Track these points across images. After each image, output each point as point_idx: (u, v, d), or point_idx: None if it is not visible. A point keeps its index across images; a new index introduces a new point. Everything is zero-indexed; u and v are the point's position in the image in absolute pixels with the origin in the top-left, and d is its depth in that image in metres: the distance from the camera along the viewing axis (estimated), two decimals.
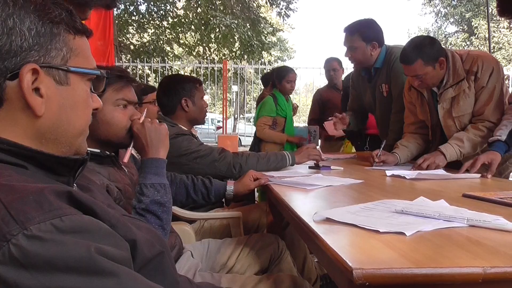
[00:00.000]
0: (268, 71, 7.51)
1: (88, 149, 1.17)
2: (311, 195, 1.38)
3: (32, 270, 0.46)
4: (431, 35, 22.29)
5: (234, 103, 14.67)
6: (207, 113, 2.21)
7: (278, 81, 3.92)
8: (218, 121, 15.40)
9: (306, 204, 1.23)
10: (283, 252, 1.62)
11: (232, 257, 1.55)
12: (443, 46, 2.15)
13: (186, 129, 2.08)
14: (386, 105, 2.61)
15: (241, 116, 14.59)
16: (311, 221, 0.95)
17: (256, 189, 2.03)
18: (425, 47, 2.03)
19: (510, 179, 2.22)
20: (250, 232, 1.96)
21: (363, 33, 2.49)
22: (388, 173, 1.85)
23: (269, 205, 2.01)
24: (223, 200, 2.27)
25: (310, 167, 2.18)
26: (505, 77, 2.62)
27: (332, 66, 4.12)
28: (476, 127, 2.07)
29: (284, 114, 3.87)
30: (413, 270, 0.64)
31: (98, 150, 1.22)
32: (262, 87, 5.79)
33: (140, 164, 1.31)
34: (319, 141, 4.23)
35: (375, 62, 2.57)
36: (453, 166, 2.08)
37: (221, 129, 10.93)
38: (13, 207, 0.50)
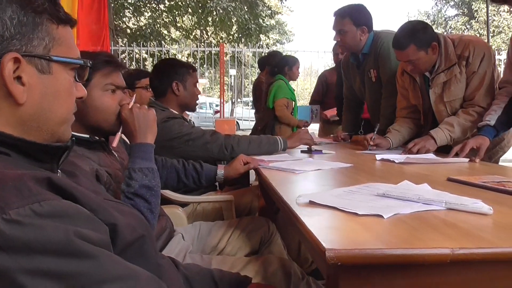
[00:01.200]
0: (265, 54, 7.49)
1: (77, 134, 1.20)
2: (299, 179, 1.41)
3: (10, 252, 0.48)
4: (431, 18, 22.13)
5: (232, 87, 14.61)
6: (198, 100, 2.22)
7: (289, 67, 4.15)
8: (216, 105, 15.37)
9: (292, 188, 1.25)
10: (274, 234, 1.66)
11: (223, 239, 1.58)
12: (436, 31, 2.16)
13: (176, 112, 2.09)
14: (376, 90, 2.62)
15: (239, 100, 14.56)
16: (294, 204, 0.97)
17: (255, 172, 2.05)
18: (417, 32, 2.04)
19: (500, 163, 2.24)
20: (242, 215, 2.00)
21: (353, 17, 2.49)
22: (378, 157, 1.88)
23: (260, 189, 2.04)
24: (217, 184, 2.30)
25: (302, 151, 2.21)
26: (498, 62, 2.64)
27: (339, 49, 4.07)
28: (467, 112, 2.09)
29: (293, 98, 4.19)
30: (384, 251, 0.66)
31: (87, 136, 1.24)
32: (260, 71, 5.79)
33: (129, 149, 1.33)
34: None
35: (363, 48, 2.57)
36: (444, 150, 2.10)
37: (219, 113, 10.91)
38: None
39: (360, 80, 2.74)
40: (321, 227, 0.79)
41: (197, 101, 2.20)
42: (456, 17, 21.53)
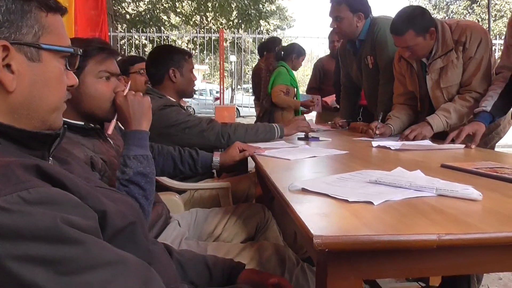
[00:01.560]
0: (264, 40, 7.45)
1: (72, 121, 1.21)
2: (294, 166, 1.41)
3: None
4: (432, 2, 21.91)
5: (232, 73, 14.56)
6: (195, 87, 2.21)
7: (296, 56, 4.25)
8: (216, 92, 15.33)
9: (286, 175, 1.26)
10: (269, 221, 1.67)
11: (219, 226, 1.60)
12: (437, 16, 2.15)
13: (174, 100, 2.09)
14: (373, 77, 2.61)
15: (239, 86, 14.52)
16: (286, 191, 0.98)
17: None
18: (416, 18, 2.02)
19: (495, 149, 2.24)
20: (239, 202, 2.01)
21: (350, 3, 2.47)
22: (374, 144, 1.88)
23: (257, 176, 2.05)
24: (214, 171, 2.31)
25: (299, 138, 2.21)
26: (499, 47, 2.62)
27: (335, 37, 4.06)
28: (463, 98, 2.09)
29: (295, 85, 4.25)
30: (372, 237, 0.67)
31: (82, 123, 1.24)
32: (259, 57, 5.77)
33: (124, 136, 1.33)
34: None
35: (359, 34, 2.56)
36: (440, 137, 2.11)
37: (219, 100, 10.89)
38: None
39: (357, 66, 2.73)
40: (311, 214, 0.80)
41: (194, 87, 2.20)
42: (457, 1, 21.28)
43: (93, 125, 1.27)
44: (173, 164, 1.80)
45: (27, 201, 0.52)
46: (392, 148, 1.77)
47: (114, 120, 1.30)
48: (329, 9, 2.55)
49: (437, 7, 21.46)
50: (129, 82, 1.38)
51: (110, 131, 1.30)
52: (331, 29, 3.36)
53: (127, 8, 15.10)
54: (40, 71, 0.69)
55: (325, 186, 1.00)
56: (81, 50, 0.77)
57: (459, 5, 20.70)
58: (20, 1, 0.66)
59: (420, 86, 2.26)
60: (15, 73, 0.65)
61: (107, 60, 1.26)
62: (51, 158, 0.75)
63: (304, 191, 0.98)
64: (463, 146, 1.85)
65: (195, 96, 2.39)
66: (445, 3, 21.21)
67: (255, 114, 7.41)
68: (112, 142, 1.37)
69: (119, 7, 14.09)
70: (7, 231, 0.49)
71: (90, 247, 0.54)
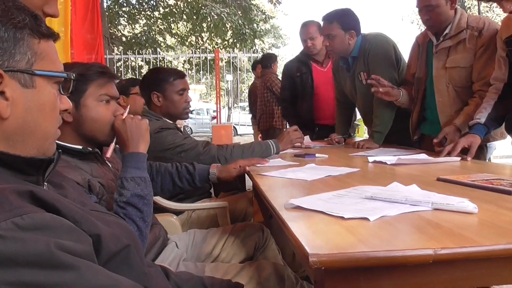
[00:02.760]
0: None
1: (70, 145, 1.21)
2: (289, 184, 1.41)
3: None
4: None
5: (228, 92, 14.65)
6: (187, 109, 2.19)
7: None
8: (213, 111, 15.39)
9: (282, 193, 1.26)
10: (268, 240, 1.66)
11: (217, 246, 1.59)
12: None
13: (170, 122, 2.10)
14: (366, 93, 2.63)
15: (235, 105, 14.58)
16: (282, 209, 0.98)
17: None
18: None
19: (492, 160, 2.25)
20: (237, 221, 2.00)
21: (341, 21, 2.52)
22: (370, 159, 1.89)
23: (254, 195, 2.04)
24: (211, 190, 2.31)
25: (296, 155, 2.21)
26: None
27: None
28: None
29: None
30: (368, 253, 0.67)
31: (81, 147, 1.25)
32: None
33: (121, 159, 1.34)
34: None
35: (351, 51, 2.60)
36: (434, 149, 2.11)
37: (216, 119, 10.93)
38: None
39: (351, 83, 2.76)
40: (307, 232, 0.80)
41: (184, 108, 2.16)
42: None
43: (91, 149, 1.28)
44: (171, 181, 1.80)
45: (21, 227, 0.52)
46: (388, 163, 1.77)
47: (113, 143, 1.30)
48: (322, 27, 2.58)
49: None
50: (128, 106, 1.39)
51: (109, 155, 1.31)
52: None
53: (123, 30, 15.27)
54: (34, 97, 0.69)
55: (321, 203, 1.00)
56: (74, 75, 0.78)
57: None
58: (12, 29, 0.67)
59: (420, 68, 2.27)
60: (9, 100, 0.66)
61: (107, 84, 1.29)
62: (45, 183, 0.75)
63: (300, 208, 0.98)
64: (459, 159, 1.86)
65: (192, 115, 2.37)
66: None
67: (252, 133, 7.42)
68: (110, 166, 1.37)
69: (115, 30, 14.25)
70: (1, 258, 0.49)
71: (84, 272, 0.54)
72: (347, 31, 2.52)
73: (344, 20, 2.52)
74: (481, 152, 2.17)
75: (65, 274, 0.52)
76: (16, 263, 0.50)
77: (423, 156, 1.94)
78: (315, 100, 3.35)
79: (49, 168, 0.74)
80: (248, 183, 2.55)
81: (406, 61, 2.58)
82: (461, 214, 0.90)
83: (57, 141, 0.79)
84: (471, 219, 0.87)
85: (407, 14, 23.45)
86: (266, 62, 4.96)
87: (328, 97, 3.27)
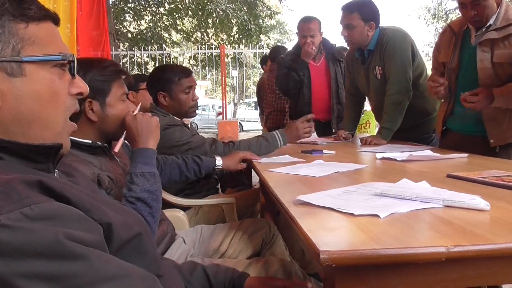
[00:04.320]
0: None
1: (79, 139, 1.21)
2: (297, 180, 1.40)
3: (3, 257, 0.48)
4: (432, 12, 22.06)
5: (234, 88, 14.64)
6: (194, 107, 2.17)
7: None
8: (219, 107, 15.40)
9: (290, 189, 1.25)
10: (275, 236, 1.66)
11: (224, 242, 1.58)
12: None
13: (178, 119, 2.10)
14: (380, 87, 2.60)
15: (241, 101, 14.57)
16: (290, 205, 0.97)
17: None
18: None
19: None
20: (244, 218, 2.00)
21: (362, 12, 2.47)
22: (379, 156, 1.87)
23: (261, 191, 2.04)
24: (218, 186, 2.30)
25: (303, 152, 2.20)
26: None
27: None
28: None
29: None
30: (378, 251, 0.66)
31: (90, 141, 1.25)
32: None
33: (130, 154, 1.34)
34: None
35: (368, 44, 2.56)
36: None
37: (222, 115, 10.94)
38: None
39: (365, 75, 2.72)
40: (317, 228, 0.79)
41: (191, 107, 2.15)
42: (456, 10, 21.42)
43: (100, 144, 1.28)
44: (179, 171, 1.82)
45: (29, 218, 0.51)
46: (398, 159, 1.75)
47: (122, 138, 1.31)
48: (341, 16, 2.53)
49: (436, 16, 21.61)
50: (140, 104, 1.40)
51: (117, 149, 1.31)
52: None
53: (129, 27, 15.28)
54: (25, 85, 0.65)
55: (330, 200, 0.99)
56: (73, 55, 0.72)
57: (458, 13, 20.84)
58: None
59: (453, 58, 2.15)
60: None
61: (124, 82, 1.33)
62: (56, 171, 0.74)
63: (309, 205, 0.97)
64: (466, 155, 1.84)
65: (198, 111, 2.36)
66: (444, 12, 21.36)
67: (258, 128, 7.39)
68: (118, 160, 1.37)
69: (120, 26, 14.27)
70: (10, 249, 0.49)
71: (93, 261, 0.53)
72: (367, 22, 2.48)
73: (365, 10, 2.47)
74: None
75: (75, 264, 0.51)
76: (25, 254, 0.49)
77: (432, 153, 1.92)
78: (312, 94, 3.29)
79: (57, 154, 0.72)
80: (255, 179, 2.55)
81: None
82: (472, 211, 0.89)
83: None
84: (483, 216, 0.86)
85: (414, 9, 23.28)
86: (274, 55, 4.86)
87: (323, 91, 3.23)
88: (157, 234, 1.32)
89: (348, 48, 2.93)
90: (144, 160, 1.26)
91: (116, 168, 1.32)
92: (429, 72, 2.49)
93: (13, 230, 0.50)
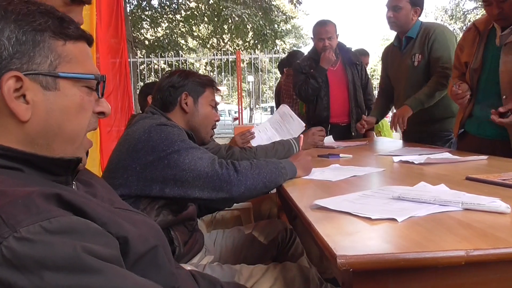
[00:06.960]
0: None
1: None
2: (314, 185, 1.40)
3: (23, 270, 0.49)
4: (449, 13, 21.77)
5: (250, 93, 14.67)
6: (214, 128, 1.69)
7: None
8: (235, 112, 15.44)
9: (307, 194, 1.25)
10: (292, 239, 1.66)
11: (240, 246, 1.59)
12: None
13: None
14: (415, 75, 2.61)
15: (257, 106, 14.59)
16: (308, 210, 0.97)
17: None
18: None
19: None
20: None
21: None
22: (396, 159, 1.85)
23: (278, 195, 2.04)
24: None
25: (319, 156, 2.20)
26: None
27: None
28: None
29: None
30: (396, 255, 0.66)
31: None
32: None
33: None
34: None
35: (408, 30, 2.58)
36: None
37: (238, 120, 10.97)
38: (4, 211, 0.53)
39: (399, 63, 2.72)
40: (334, 233, 0.79)
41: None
42: (475, 10, 21.08)
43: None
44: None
45: (48, 231, 0.52)
46: (416, 162, 1.73)
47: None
48: None
49: (454, 17, 21.31)
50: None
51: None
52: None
53: (146, 34, 15.49)
54: (57, 100, 0.68)
55: (347, 204, 0.99)
56: (104, 77, 0.75)
57: (477, 14, 20.51)
58: (32, 31, 0.66)
59: (476, 58, 2.07)
60: (29, 103, 0.65)
61: (214, 93, 1.61)
62: (74, 182, 0.76)
63: (326, 209, 0.97)
64: (486, 157, 1.80)
65: None
66: (462, 12, 21.06)
67: None
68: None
69: (138, 33, 14.47)
70: (30, 262, 0.50)
71: (110, 276, 0.54)
72: (413, 6, 2.53)
73: None
74: None
75: (92, 278, 0.52)
76: (45, 266, 0.50)
77: (451, 155, 1.89)
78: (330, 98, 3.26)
79: (77, 168, 0.74)
80: None
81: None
82: (493, 214, 0.87)
83: None
84: (503, 219, 0.85)
85: (431, 10, 23.00)
86: (291, 60, 4.83)
87: (341, 95, 3.20)
88: (189, 243, 1.39)
89: (362, 52, 2.96)
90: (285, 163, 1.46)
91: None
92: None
93: (33, 243, 0.51)
